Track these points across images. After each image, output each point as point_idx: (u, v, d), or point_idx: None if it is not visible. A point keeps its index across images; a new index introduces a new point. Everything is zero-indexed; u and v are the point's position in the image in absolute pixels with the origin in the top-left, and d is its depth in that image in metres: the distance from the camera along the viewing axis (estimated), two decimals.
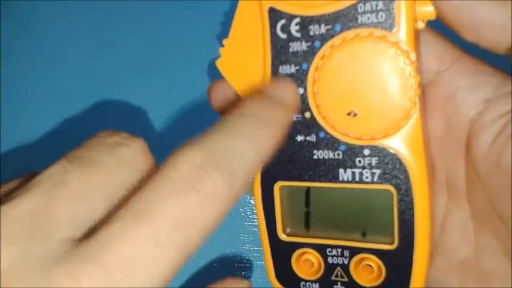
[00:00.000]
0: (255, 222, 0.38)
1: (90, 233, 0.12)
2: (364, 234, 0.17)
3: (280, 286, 0.18)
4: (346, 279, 0.17)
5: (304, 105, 0.16)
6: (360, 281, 0.17)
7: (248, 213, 0.38)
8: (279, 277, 0.18)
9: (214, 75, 0.42)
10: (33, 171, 0.13)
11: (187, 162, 0.12)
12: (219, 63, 0.17)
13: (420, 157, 0.15)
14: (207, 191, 0.12)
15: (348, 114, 0.15)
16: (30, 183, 0.12)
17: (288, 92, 0.16)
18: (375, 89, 0.15)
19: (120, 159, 0.13)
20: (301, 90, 0.16)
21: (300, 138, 0.16)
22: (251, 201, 0.39)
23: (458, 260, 0.17)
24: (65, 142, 0.40)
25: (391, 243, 0.16)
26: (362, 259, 0.17)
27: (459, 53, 0.16)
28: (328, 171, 0.16)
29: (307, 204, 0.17)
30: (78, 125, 0.40)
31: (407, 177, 0.15)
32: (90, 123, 0.40)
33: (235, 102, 0.17)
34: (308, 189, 0.17)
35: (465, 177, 0.16)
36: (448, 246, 0.17)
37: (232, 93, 0.18)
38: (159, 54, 0.41)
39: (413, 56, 0.14)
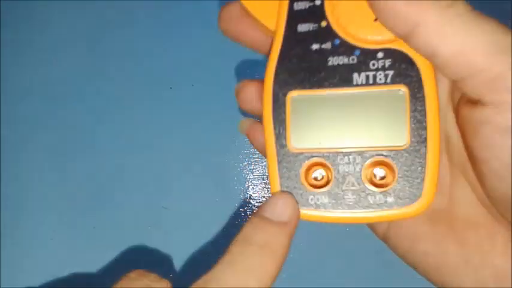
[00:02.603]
0: None
1: None
2: (376, 139, 0.17)
3: None
4: (357, 187, 0.17)
5: (321, 15, 0.17)
6: (371, 186, 0.17)
7: (248, 213, 0.38)
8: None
9: (214, 76, 0.42)
10: None
11: None
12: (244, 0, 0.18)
13: None
14: None
15: (375, 20, 0.16)
16: None
17: (286, 208, 0.16)
18: None
19: None
20: (318, 2, 0.17)
21: (314, 46, 0.17)
22: (251, 201, 0.39)
23: (431, 210, 0.17)
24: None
25: (404, 143, 0.17)
26: (374, 164, 0.17)
27: None
28: (343, 76, 0.17)
29: (319, 114, 0.17)
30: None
31: (419, 76, 0.16)
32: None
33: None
34: (320, 99, 0.17)
35: (444, 132, 0.17)
36: None
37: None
38: (159, 54, 0.41)
39: None
